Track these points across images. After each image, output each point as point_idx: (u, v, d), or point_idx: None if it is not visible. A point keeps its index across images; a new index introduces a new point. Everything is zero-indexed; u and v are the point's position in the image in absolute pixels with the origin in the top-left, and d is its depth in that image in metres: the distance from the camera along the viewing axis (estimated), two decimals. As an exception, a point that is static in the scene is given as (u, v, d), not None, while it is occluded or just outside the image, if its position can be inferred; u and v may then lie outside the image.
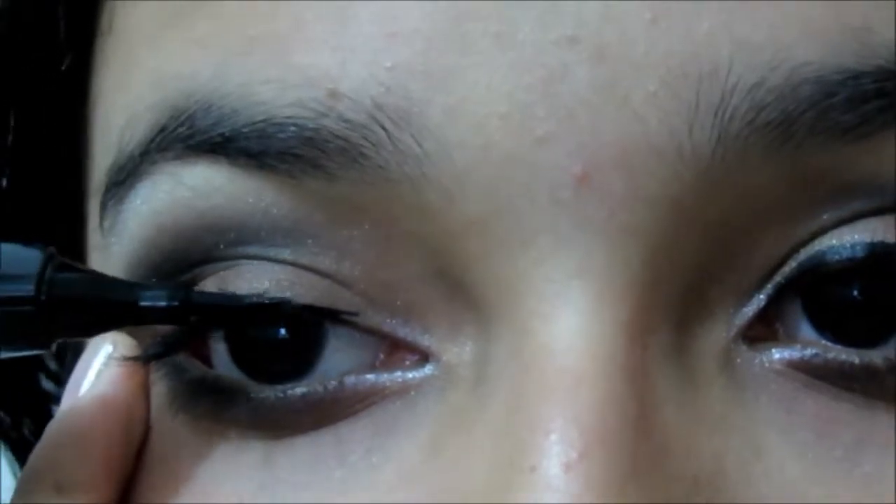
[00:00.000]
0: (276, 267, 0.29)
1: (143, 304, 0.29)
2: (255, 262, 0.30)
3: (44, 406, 0.42)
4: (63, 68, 0.34)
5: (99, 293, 0.29)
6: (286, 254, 0.29)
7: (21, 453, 0.42)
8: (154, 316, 0.30)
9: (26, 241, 0.29)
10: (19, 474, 0.41)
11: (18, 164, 0.36)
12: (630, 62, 0.27)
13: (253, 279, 0.30)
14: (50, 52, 0.35)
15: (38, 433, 0.41)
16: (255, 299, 0.29)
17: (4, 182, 0.37)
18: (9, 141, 0.36)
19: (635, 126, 0.27)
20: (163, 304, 0.29)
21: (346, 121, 0.28)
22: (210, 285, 0.30)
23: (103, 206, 0.31)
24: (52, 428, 0.32)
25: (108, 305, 0.29)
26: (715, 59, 0.26)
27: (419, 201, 0.28)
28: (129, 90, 0.31)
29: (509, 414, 0.27)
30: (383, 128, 0.27)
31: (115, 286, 0.30)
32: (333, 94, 0.28)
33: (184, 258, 0.30)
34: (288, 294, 0.29)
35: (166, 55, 0.30)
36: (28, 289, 0.29)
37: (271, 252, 0.29)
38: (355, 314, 0.29)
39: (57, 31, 0.34)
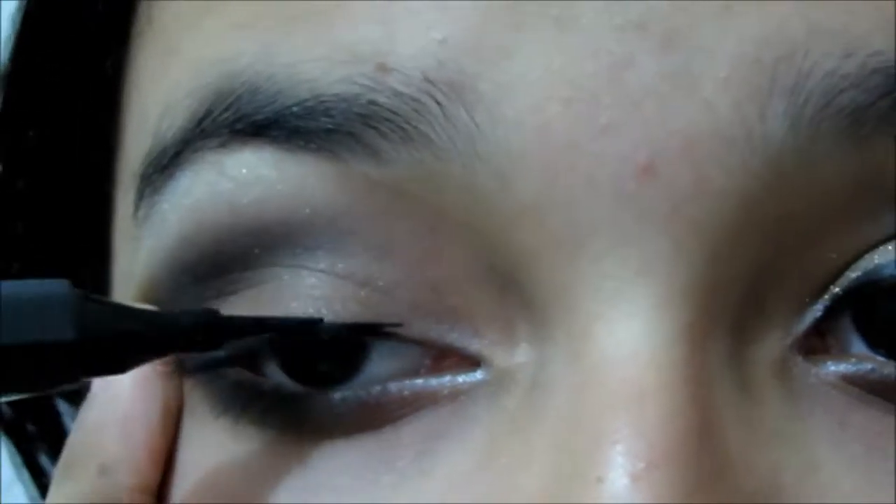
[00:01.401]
0: (312, 279, 0.28)
1: (180, 332, 0.28)
2: (291, 271, 0.29)
3: (48, 398, 0.41)
4: (99, 64, 0.33)
5: (134, 327, 0.28)
6: (322, 258, 0.28)
7: (24, 447, 0.42)
8: (190, 345, 0.29)
9: (46, 274, 0.28)
10: (22, 467, 0.41)
11: (43, 157, 0.36)
12: (700, 48, 0.26)
13: (288, 296, 0.29)
14: (85, 44, 0.34)
15: (41, 423, 0.40)
16: (284, 321, 0.29)
17: (21, 182, 0.36)
18: (31, 135, 0.36)
19: (704, 114, 0.26)
20: (199, 334, 0.28)
21: (397, 94, 0.27)
22: (244, 300, 0.29)
23: (139, 195, 0.30)
24: (90, 410, 0.31)
25: (144, 340, 0.28)
26: (791, 43, 0.26)
27: (470, 184, 0.27)
28: (167, 78, 0.30)
29: (570, 423, 0.26)
30: (436, 101, 0.26)
31: (147, 317, 0.29)
32: (383, 68, 0.27)
33: (219, 261, 0.29)
34: (325, 311, 0.28)
35: (205, 41, 0.29)
36: (65, 332, 0.27)
37: (308, 258, 0.28)
38: (399, 325, 0.28)
39: (95, 23, 0.34)
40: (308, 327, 0.28)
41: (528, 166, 0.26)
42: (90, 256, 0.35)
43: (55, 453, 0.41)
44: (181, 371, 0.31)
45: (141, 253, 0.30)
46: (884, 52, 0.26)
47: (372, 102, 0.27)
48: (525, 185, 0.26)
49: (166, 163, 0.29)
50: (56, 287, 0.27)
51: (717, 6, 0.26)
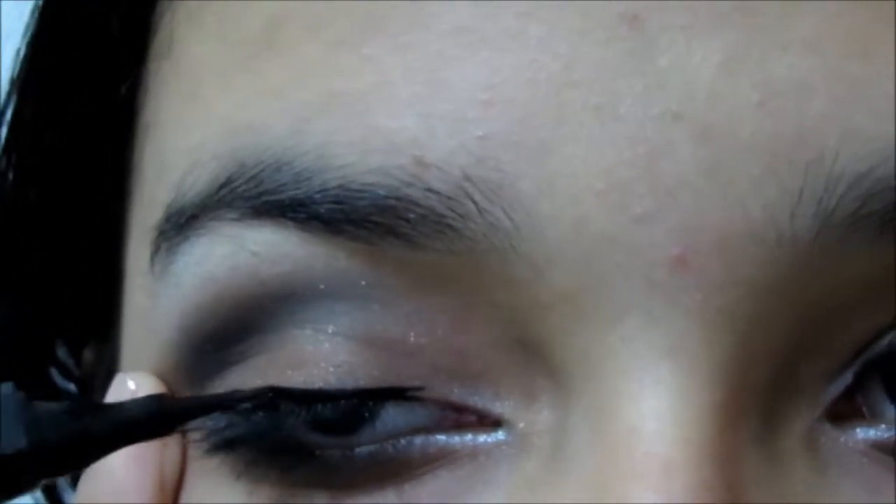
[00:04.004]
0: (333, 343, 0.28)
1: (131, 424, 0.28)
2: (311, 335, 0.28)
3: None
4: (115, 85, 0.33)
5: (85, 426, 0.28)
6: (345, 323, 0.28)
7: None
8: (143, 435, 0.29)
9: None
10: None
11: (54, 168, 0.35)
12: (735, 144, 0.26)
13: (307, 360, 0.28)
14: (99, 63, 0.33)
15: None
16: (237, 395, 0.29)
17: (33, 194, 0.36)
18: (44, 146, 0.35)
19: (737, 210, 0.26)
20: (151, 423, 0.28)
21: (433, 192, 0.26)
22: (263, 365, 0.28)
23: (156, 247, 0.30)
24: (86, 485, 0.31)
25: (97, 438, 0.28)
26: (821, 146, 0.26)
27: (506, 273, 0.27)
28: (194, 131, 0.29)
29: (594, 494, 0.26)
30: (472, 200, 0.26)
31: (98, 413, 0.28)
32: (420, 162, 0.26)
33: (240, 327, 0.29)
34: (343, 375, 0.28)
35: (237, 102, 0.28)
36: (17, 440, 0.27)
37: (331, 322, 0.28)
38: (420, 388, 0.28)
39: (109, 45, 0.33)
40: (264, 402, 0.28)
41: (564, 258, 0.26)
42: (99, 276, 0.35)
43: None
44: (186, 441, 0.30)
45: (159, 312, 0.30)
46: None
47: (405, 198, 0.26)
48: (559, 274, 0.26)
49: (183, 223, 0.29)
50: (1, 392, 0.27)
51: (753, 102, 0.26)
